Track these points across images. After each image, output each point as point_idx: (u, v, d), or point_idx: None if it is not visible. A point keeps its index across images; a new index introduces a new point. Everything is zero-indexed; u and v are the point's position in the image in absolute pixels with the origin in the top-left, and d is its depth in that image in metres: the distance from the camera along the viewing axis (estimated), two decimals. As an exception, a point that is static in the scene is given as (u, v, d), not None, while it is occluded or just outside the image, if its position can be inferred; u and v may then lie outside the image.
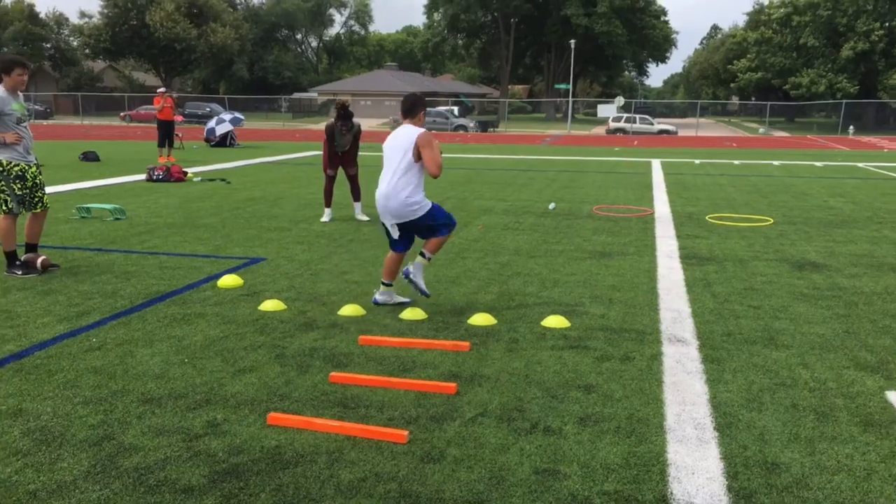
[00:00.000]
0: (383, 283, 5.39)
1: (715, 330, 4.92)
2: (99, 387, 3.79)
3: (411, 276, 5.24)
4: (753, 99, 67.36)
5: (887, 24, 49.38)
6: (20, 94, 6.13)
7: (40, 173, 6.27)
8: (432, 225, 5.22)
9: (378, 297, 5.40)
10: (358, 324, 4.96)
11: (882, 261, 7.18)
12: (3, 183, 5.98)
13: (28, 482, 2.85)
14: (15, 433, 3.25)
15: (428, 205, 5.20)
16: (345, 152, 9.23)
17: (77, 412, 3.48)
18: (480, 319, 4.99)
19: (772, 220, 9.65)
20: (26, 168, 6.06)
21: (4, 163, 5.95)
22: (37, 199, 6.19)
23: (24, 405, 3.55)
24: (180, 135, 21.81)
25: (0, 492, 2.78)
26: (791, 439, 3.32)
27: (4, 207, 6.03)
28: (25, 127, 6.11)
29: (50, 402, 3.59)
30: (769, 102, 54.45)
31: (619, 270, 6.65)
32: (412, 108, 5.28)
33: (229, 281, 5.90)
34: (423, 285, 5.28)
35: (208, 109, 50.54)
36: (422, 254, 5.26)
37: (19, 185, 6.02)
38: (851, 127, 45.79)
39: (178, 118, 19.43)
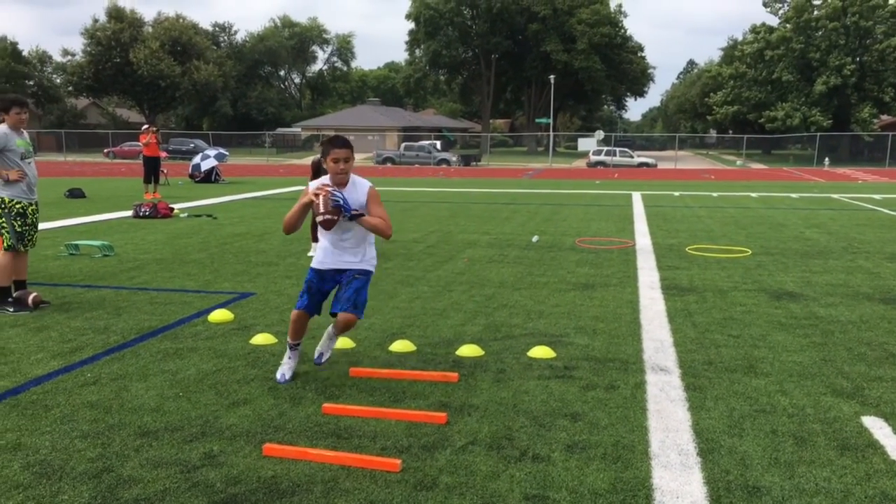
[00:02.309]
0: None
1: (696, 359, 5.05)
2: (96, 421, 3.85)
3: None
4: (730, 132, 68.58)
5: (858, 59, 50.66)
6: (24, 131, 6.25)
7: (38, 212, 6.37)
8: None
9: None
10: (348, 356, 5.05)
11: (857, 290, 7.38)
12: (3, 220, 6.07)
13: (30, 515, 2.91)
14: (15, 467, 3.31)
15: None
16: (331, 188, 9.35)
17: (75, 446, 3.54)
18: (468, 351, 5.10)
19: (750, 252, 9.87)
20: (27, 206, 6.17)
21: (7, 200, 6.05)
22: (29, 238, 6.27)
23: (23, 440, 3.60)
24: (166, 171, 21.89)
25: (3, 524, 2.83)
26: (771, 464, 3.44)
27: (6, 244, 6.13)
28: (30, 164, 6.22)
29: (48, 436, 3.65)
30: (745, 135, 55.51)
31: (602, 301, 6.80)
32: None
33: (220, 316, 5.98)
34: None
35: (192, 145, 50.73)
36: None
37: (19, 223, 6.12)
38: (826, 159, 46.72)
39: (163, 154, 19.53)
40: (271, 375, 4.61)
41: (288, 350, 4.64)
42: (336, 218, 4.11)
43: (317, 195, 4.13)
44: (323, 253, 4.42)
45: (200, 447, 3.54)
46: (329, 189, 4.14)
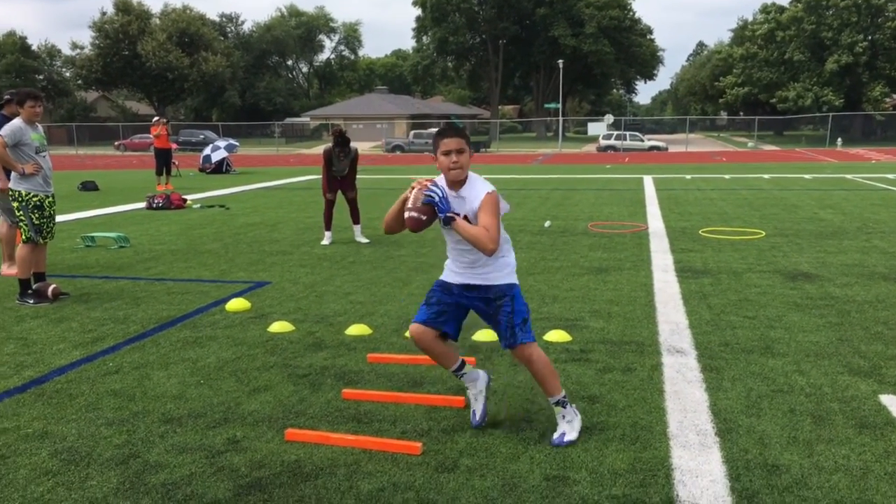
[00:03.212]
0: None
1: (712, 340, 5.06)
2: (120, 408, 3.91)
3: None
4: (741, 114, 68.05)
5: (870, 37, 50.10)
6: (38, 125, 6.31)
7: (55, 204, 6.43)
8: None
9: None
10: (365, 342, 5.09)
11: (872, 270, 7.36)
12: (21, 213, 6.14)
13: (60, 500, 2.96)
14: (43, 454, 3.37)
15: None
16: (343, 177, 9.40)
17: (101, 433, 3.60)
18: (484, 335, 5.13)
19: (764, 233, 9.84)
20: (44, 198, 6.24)
21: (24, 193, 6.12)
22: (48, 231, 6.33)
23: (50, 428, 3.67)
24: (177, 162, 21.99)
25: (34, 510, 2.89)
26: (790, 442, 3.46)
27: (24, 237, 6.20)
28: (44, 157, 6.28)
29: (74, 424, 3.71)
30: (757, 117, 55.07)
31: (616, 285, 6.81)
32: None
33: (237, 304, 6.04)
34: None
35: (202, 137, 50.86)
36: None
37: (37, 215, 6.19)
38: (839, 139, 46.30)
39: (173, 146, 19.60)
40: (290, 362, 4.66)
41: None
42: (423, 218, 3.33)
43: (413, 188, 3.42)
44: (448, 267, 3.69)
45: (224, 433, 3.59)
46: (429, 183, 3.40)
